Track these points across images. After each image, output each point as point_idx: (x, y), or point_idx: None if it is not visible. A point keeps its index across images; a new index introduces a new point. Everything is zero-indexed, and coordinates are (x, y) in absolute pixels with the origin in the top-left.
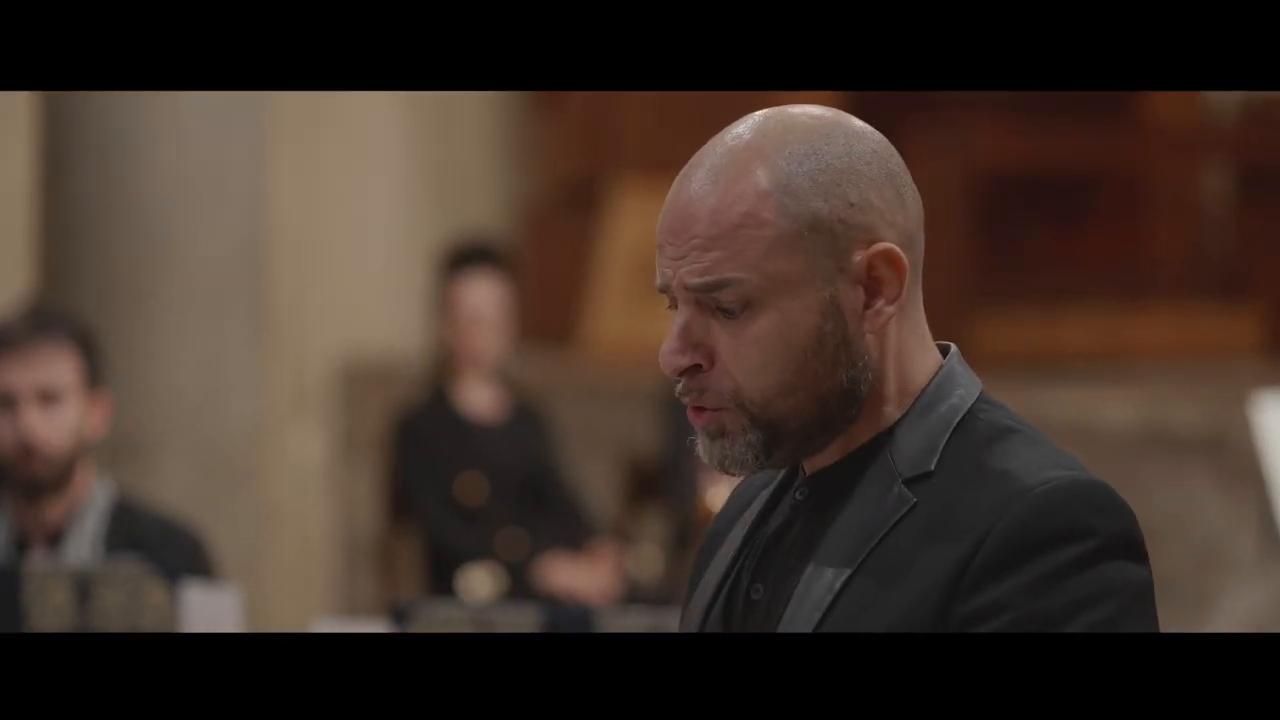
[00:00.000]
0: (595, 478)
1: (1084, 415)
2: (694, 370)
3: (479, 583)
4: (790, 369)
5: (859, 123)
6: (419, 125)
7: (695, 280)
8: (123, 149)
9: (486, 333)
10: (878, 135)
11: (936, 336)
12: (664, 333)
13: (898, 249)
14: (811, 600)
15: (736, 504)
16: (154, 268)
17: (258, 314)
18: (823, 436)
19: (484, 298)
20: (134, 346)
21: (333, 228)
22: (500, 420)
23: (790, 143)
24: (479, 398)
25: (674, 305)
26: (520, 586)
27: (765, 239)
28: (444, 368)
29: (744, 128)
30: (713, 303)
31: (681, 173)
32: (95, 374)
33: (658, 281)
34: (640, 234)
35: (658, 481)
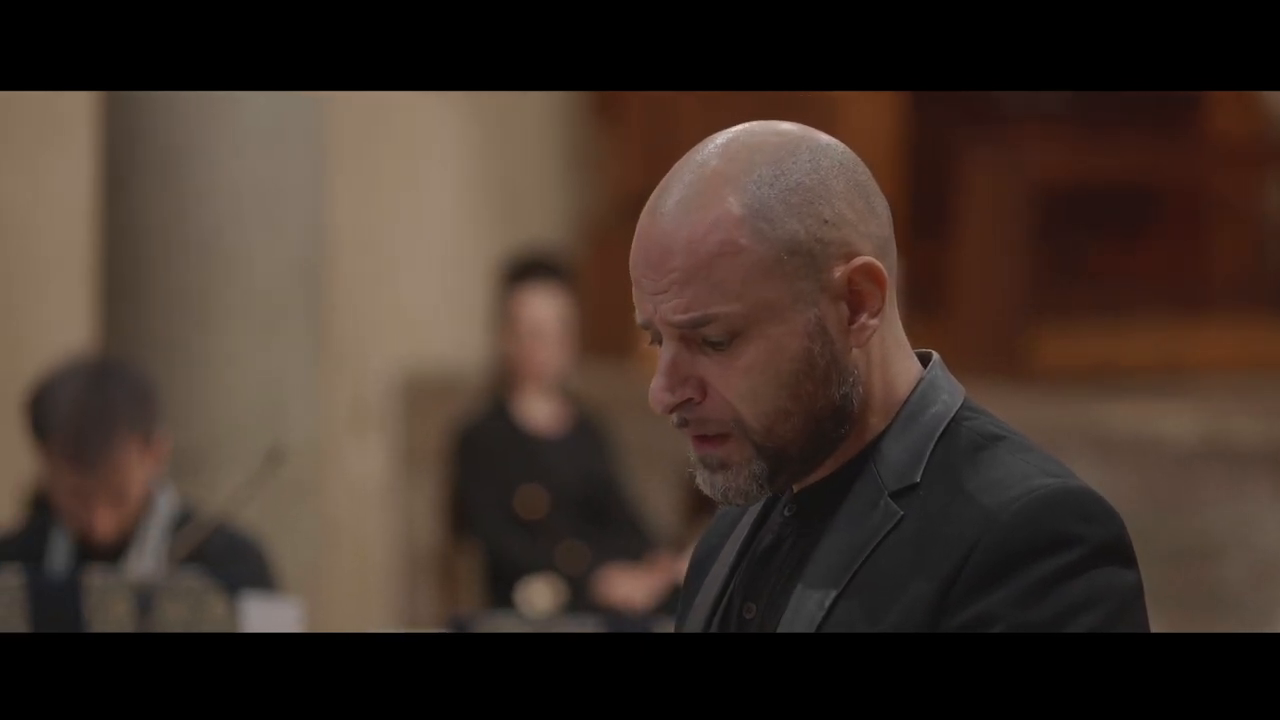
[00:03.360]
0: (655, 491)
1: (1144, 429)
2: (687, 404)
3: (539, 595)
4: (784, 394)
5: (824, 136)
6: (478, 139)
7: (679, 317)
8: (182, 165)
9: (547, 346)
10: (842, 147)
11: (996, 351)
12: None
13: (876, 261)
14: (803, 618)
15: (726, 520)
16: (214, 283)
17: (317, 329)
18: (819, 457)
19: (544, 311)
20: (194, 362)
21: (392, 242)
22: (560, 434)
23: (757, 165)
24: (539, 411)
25: (656, 340)
26: (580, 599)
27: (744, 266)
28: (504, 381)
29: (707, 153)
30: (699, 336)
31: (649, 204)
32: (153, 432)
33: (639, 319)
34: None
35: None
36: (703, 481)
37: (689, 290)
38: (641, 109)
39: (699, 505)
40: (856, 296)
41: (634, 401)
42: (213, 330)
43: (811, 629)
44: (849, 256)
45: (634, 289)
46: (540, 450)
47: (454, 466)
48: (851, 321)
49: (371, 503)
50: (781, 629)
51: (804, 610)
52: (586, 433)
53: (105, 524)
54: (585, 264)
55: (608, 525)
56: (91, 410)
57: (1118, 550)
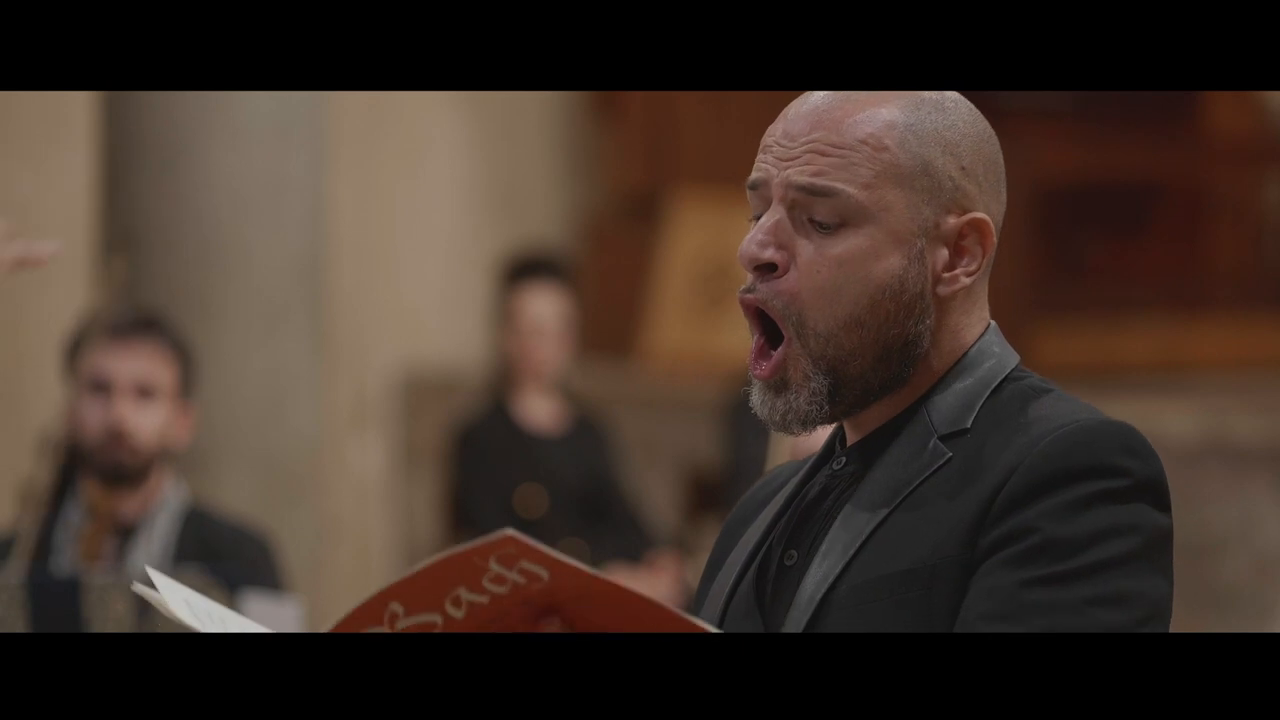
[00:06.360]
0: (655, 489)
1: (1145, 426)
2: (768, 269)
3: None
4: (863, 302)
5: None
6: (480, 136)
7: (803, 179)
8: (183, 161)
9: (547, 344)
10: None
11: None
12: (724, 345)
13: (991, 223)
14: (839, 547)
15: (763, 493)
16: (214, 280)
17: (318, 326)
18: (878, 392)
19: (545, 309)
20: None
21: (393, 239)
22: (560, 432)
23: (923, 98)
24: (539, 409)
25: (757, 208)
26: None
27: (881, 163)
28: (504, 379)
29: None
30: (810, 209)
31: (804, 95)
32: (188, 387)
33: (752, 177)
34: (701, 245)
35: (717, 492)
36: (761, 404)
37: (823, 160)
38: (641, 109)
39: (700, 503)
40: (960, 249)
41: (634, 399)
42: (213, 328)
43: (847, 555)
44: (967, 210)
45: (760, 155)
46: (540, 449)
47: (454, 464)
48: (948, 269)
49: (372, 500)
50: (816, 561)
51: (841, 540)
52: (586, 431)
53: (125, 415)
54: (585, 262)
55: (607, 524)
56: (141, 312)
57: (1158, 491)
